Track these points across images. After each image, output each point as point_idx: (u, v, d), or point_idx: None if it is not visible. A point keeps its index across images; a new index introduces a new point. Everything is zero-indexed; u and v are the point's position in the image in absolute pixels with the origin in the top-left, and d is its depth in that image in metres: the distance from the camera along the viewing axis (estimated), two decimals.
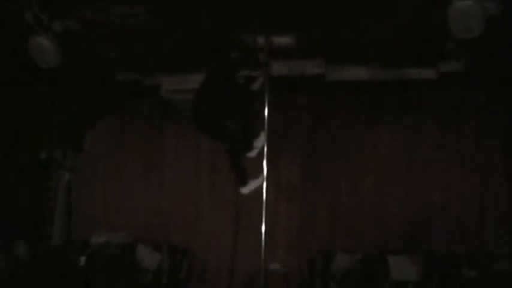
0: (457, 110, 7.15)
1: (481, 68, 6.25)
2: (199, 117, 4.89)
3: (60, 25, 5.17)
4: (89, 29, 5.53)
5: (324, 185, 7.39)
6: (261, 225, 5.06)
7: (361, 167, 7.31)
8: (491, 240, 6.79)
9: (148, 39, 5.93)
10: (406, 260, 6.63)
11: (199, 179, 7.76)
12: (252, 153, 5.10)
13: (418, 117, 7.25)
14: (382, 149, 7.29)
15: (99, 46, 6.12)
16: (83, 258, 7.12)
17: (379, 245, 6.92)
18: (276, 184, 7.14)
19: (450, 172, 7.08)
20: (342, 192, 7.35)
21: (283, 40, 5.73)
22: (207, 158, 7.72)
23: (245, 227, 7.30)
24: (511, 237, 6.73)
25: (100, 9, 5.09)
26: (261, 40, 5.29)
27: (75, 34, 5.45)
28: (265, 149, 5.03)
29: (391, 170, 7.22)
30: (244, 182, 5.11)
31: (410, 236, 6.99)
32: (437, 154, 7.13)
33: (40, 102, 7.24)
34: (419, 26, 5.25)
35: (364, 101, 7.38)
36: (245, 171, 5.11)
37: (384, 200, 7.18)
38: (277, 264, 7.06)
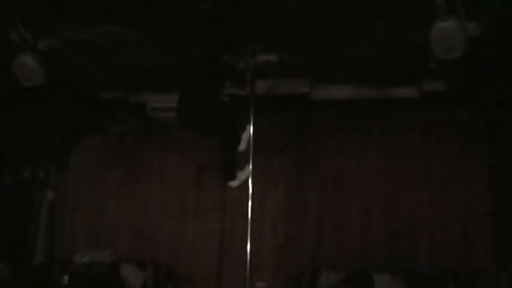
0: (441, 129, 7.23)
1: (464, 88, 6.34)
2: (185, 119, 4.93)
3: (46, 43, 5.17)
4: (75, 47, 5.54)
5: (309, 203, 7.40)
6: (247, 243, 5.06)
7: (346, 185, 7.34)
8: (476, 259, 6.82)
9: (135, 57, 5.95)
10: (391, 278, 6.63)
11: (184, 197, 7.73)
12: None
13: (402, 136, 7.31)
14: (367, 168, 7.33)
15: (84, 64, 6.12)
16: (66, 278, 7.01)
17: (364, 264, 6.93)
18: (261, 203, 7.14)
19: (435, 190, 7.13)
20: (327, 210, 7.36)
21: (268, 59, 5.77)
22: (193, 177, 7.72)
23: (231, 245, 7.29)
24: (496, 255, 6.77)
25: (86, 28, 5.10)
26: (246, 59, 5.34)
27: (61, 52, 5.45)
28: (250, 167, 5.06)
29: (376, 188, 7.26)
30: (233, 176, 5.13)
31: (395, 254, 7.01)
32: (421, 173, 7.19)
33: (24, 121, 7.20)
34: (402, 45, 5.33)
35: (349, 120, 7.44)
36: (234, 166, 5.13)
37: (369, 218, 7.20)
38: (263, 283, 7.03)
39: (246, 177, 5.10)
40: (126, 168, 7.91)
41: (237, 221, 6.99)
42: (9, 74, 5.07)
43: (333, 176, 7.40)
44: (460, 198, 7.04)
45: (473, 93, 6.46)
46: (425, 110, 7.12)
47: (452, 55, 4.30)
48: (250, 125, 5.12)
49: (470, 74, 5.74)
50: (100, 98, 7.16)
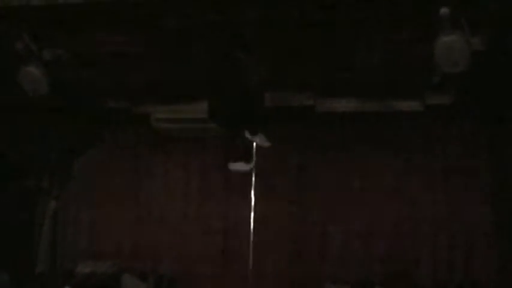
0: (445, 142, 7.23)
1: (468, 102, 6.33)
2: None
3: (50, 54, 5.18)
4: (79, 57, 5.56)
5: (313, 216, 7.38)
6: (249, 255, 5.05)
7: (350, 198, 7.32)
8: (479, 271, 6.79)
9: (139, 68, 5.96)
10: None
11: (187, 208, 7.73)
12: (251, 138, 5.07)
13: (406, 149, 7.30)
14: (371, 181, 7.32)
15: (88, 75, 6.14)
16: None
17: (367, 277, 6.90)
18: (264, 214, 7.11)
19: (438, 204, 7.12)
20: (330, 222, 7.33)
21: (272, 70, 5.77)
22: (196, 188, 7.73)
23: (233, 257, 7.26)
24: (499, 268, 6.74)
25: (90, 39, 5.12)
26: (251, 70, 5.33)
27: (66, 63, 5.46)
28: (253, 179, 5.06)
29: (379, 201, 7.24)
30: (236, 160, 5.11)
31: (399, 267, 6.98)
32: (425, 186, 7.18)
33: (28, 131, 7.21)
34: (406, 59, 5.33)
35: (353, 132, 7.43)
36: (244, 150, 5.10)
37: (373, 231, 7.18)
38: None
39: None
40: (129, 178, 7.92)
41: (240, 232, 6.98)
42: (14, 84, 5.09)
43: (336, 188, 7.39)
44: (463, 210, 7.03)
45: (478, 107, 6.46)
46: (429, 123, 7.12)
47: (456, 69, 4.30)
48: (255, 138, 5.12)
49: (474, 88, 5.73)
50: (104, 108, 7.17)
